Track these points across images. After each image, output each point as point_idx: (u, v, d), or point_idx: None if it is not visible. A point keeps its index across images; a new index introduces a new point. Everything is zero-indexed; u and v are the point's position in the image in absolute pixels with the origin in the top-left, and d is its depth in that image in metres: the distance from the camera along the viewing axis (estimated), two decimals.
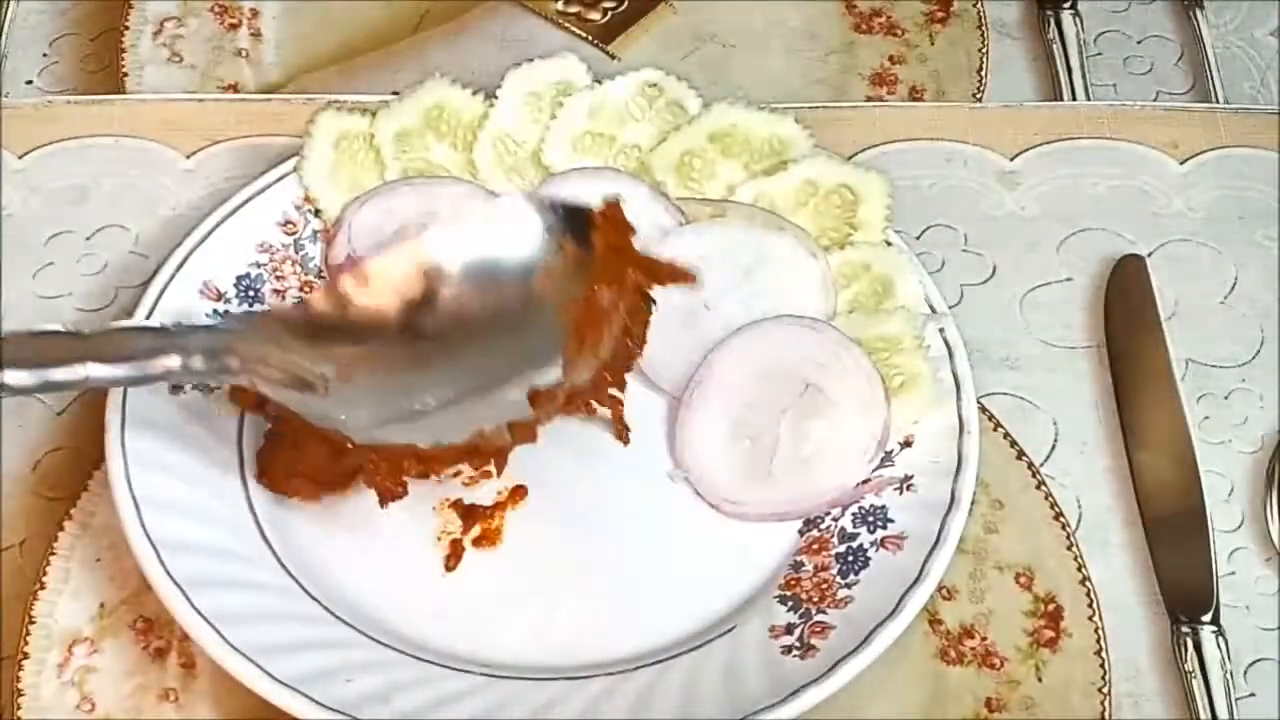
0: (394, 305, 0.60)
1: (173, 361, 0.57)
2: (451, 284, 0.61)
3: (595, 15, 0.83)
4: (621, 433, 0.65)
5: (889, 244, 0.68)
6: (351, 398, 0.59)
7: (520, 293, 0.61)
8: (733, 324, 0.66)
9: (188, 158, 0.75)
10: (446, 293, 0.61)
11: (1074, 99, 0.80)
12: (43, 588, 0.62)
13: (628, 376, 0.64)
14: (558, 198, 0.64)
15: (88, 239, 0.73)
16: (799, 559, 0.63)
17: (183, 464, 0.62)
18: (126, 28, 0.81)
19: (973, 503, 0.62)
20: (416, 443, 0.60)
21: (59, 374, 0.55)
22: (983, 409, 0.67)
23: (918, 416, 0.64)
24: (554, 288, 0.61)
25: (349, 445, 0.59)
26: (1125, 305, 0.72)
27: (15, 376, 0.54)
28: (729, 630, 0.61)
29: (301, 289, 0.68)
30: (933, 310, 0.67)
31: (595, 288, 0.61)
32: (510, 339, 0.61)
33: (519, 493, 0.65)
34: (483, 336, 0.61)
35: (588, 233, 0.61)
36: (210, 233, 0.68)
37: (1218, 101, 0.80)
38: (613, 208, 0.61)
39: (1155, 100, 0.81)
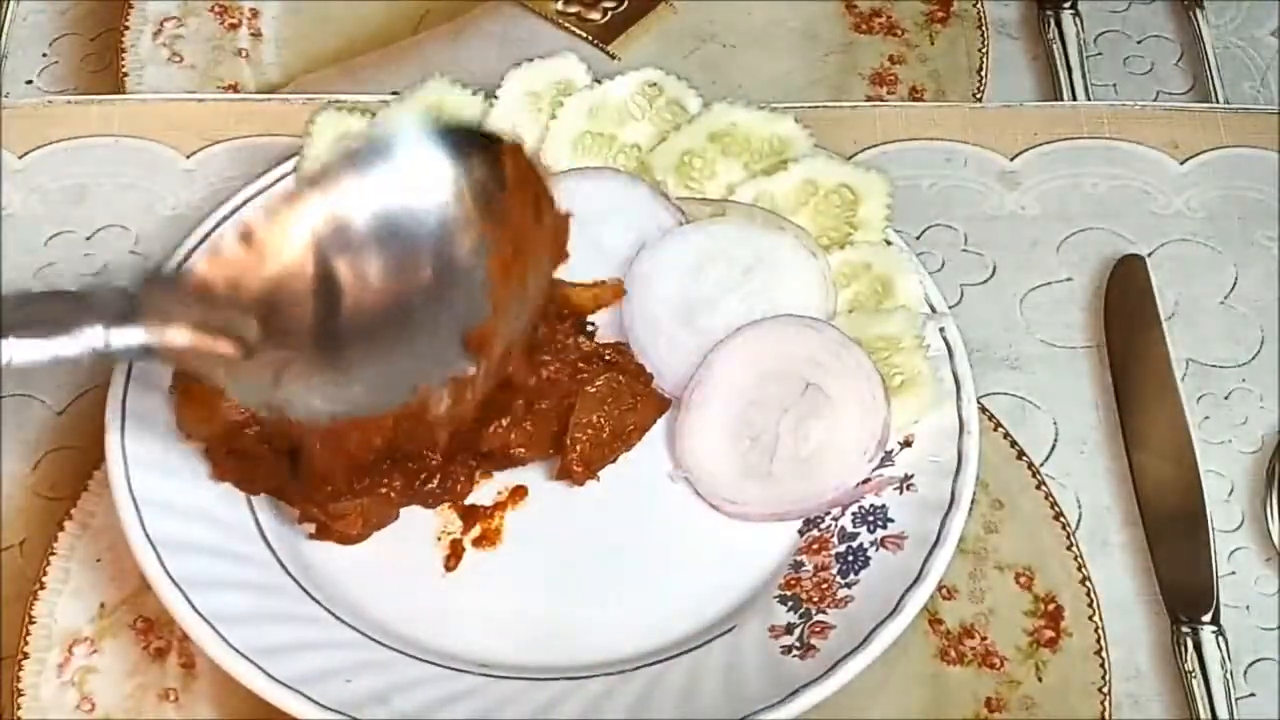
0: (306, 261, 0.57)
1: (88, 333, 0.54)
2: (361, 234, 0.58)
3: (595, 15, 0.83)
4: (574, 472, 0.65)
5: (889, 243, 0.68)
6: (278, 361, 0.57)
7: (434, 233, 0.59)
8: (733, 324, 0.66)
9: (188, 158, 0.75)
10: (357, 243, 0.58)
11: (1074, 99, 0.80)
12: (43, 588, 0.62)
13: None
14: (461, 126, 0.61)
15: (88, 239, 0.73)
16: (799, 559, 0.63)
17: (183, 464, 0.62)
18: (126, 28, 0.81)
19: (973, 502, 0.62)
20: (357, 411, 0.58)
21: None
22: (983, 409, 0.67)
23: (918, 416, 0.64)
24: (468, 223, 0.59)
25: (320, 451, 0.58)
26: (1125, 305, 0.72)
27: None
28: (729, 630, 0.61)
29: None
30: (933, 310, 0.67)
31: (512, 214, 0.59)
32: (429, 283, 0.59)
33: (519, 493, 0.65)
34: (399, 283, 0.59)
35: (498, 163, 0.59)
36: (210, 233, 0.68)
37: (1218, 101, 0.80)
38: (515, 145, 0.60)
39: (1155, 100, 0.81)
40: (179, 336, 0.55)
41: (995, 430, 0.67)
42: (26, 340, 0.53)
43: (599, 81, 0.72)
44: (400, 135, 0.58)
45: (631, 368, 0.65)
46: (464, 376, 0.59)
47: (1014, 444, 0.67)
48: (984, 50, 0.82)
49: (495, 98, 0.71)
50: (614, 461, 0.64)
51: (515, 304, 0.60)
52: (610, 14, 0.83)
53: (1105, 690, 0.62)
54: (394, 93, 0.72)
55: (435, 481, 0.63)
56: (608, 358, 0.65)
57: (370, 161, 0.58)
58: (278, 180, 0.70)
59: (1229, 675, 0.61)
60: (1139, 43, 0.83)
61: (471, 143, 0.59)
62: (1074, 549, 0.65)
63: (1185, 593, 0.64)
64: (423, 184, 0.58)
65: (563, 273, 0.66)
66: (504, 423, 0.63)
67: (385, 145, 0.58)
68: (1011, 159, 0.77)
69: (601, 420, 0.64)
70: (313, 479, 0.61)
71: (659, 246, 0.68)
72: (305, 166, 0.70)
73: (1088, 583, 0.64)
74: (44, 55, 0.81)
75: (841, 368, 0.64)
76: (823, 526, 0.63)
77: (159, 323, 0.55)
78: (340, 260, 0.57)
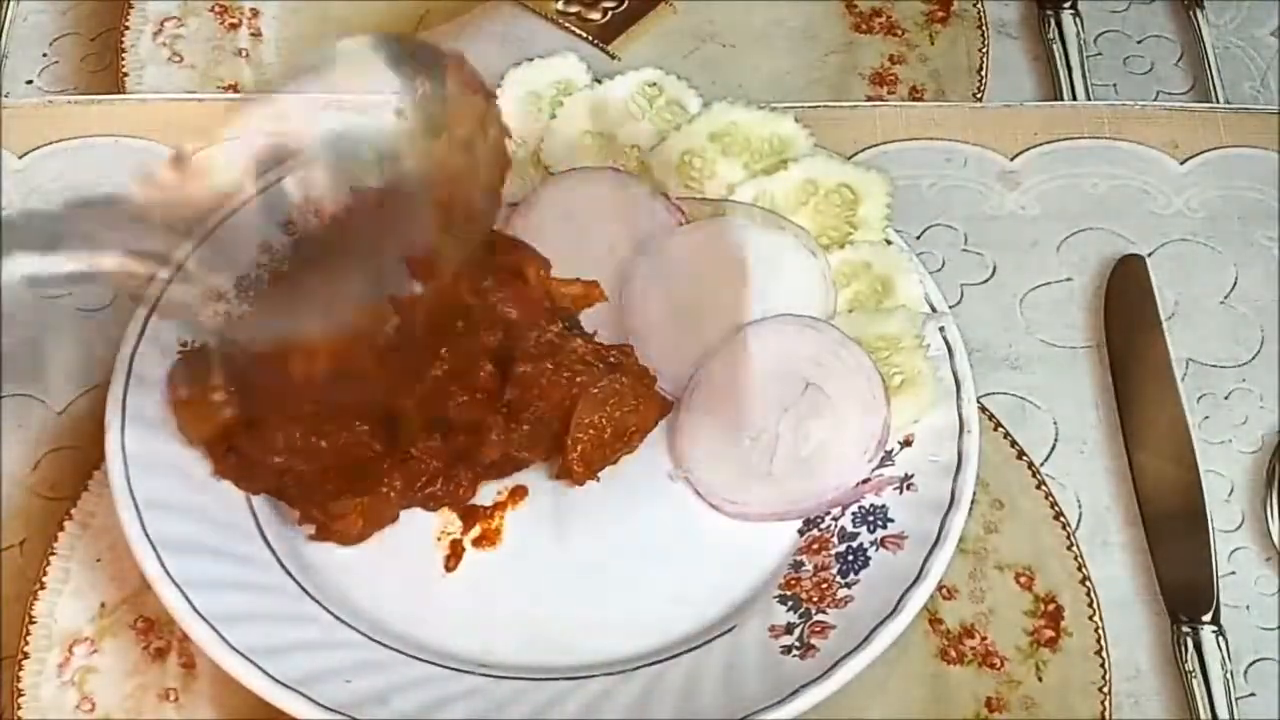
0: (244, 181, 0.58)
1: (16, 261, 0.53)
2: (301, 151, 0.58)
3: (595, 15, 0.83)
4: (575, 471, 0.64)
5: (889, 243, 0.68)
6: (217, 285, 0.57)
7: (376, 149, 0.58)
8: (732, 324, 0.66)
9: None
10: (297, 161, 0.58)
11: (1074, 99, 0.80)
12: (43, 588, 0.62)
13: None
14: (402, 39, 0.60)
15: None
16: (799, 559, 0.63)
17: (183, 464, 0.62)
18: (127, 28, 0.81)
19: (973, 502, 0.62)
20: (300, 333, 0.57)
21: None
22: (983, 408, 0.67)
23: (918, 416, 0.64)
24: (410, 139, 0.58)
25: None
26: (1125, 305, 0.72)
27: None
28: (729, 630, 0.61)
29: None
30: (933, 309, 0.67)
31: (456, 129, 0.58)
32: (371, 202, 0.58)
33: (519, 493, 0.65)
34: (340, 202, 0.59)
35: (440, 78, 0.58)
36: (211, 232, 0.68)
37: (1218, 101, 0.80)
38: (458, 57, 0.59)
39: (1155, 100, 0.81)
40: (109, 261, 0.54)
41: (995, 430, 0.67)
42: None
43: (599, 81, 0.72)
44: (343, 51, 0.58)
45: (635, 369, 0.65)
46: (409, 300, 0.58)
47: (1014, 444, 0.67)
48: (984, 50, 0.82)
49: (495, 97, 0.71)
50: (614, 462, 0.64)
51: (461, 223, 0.59)
52: (610, 14, 0.83)
53: (1105, 690, 0.62)
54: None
55: (438, 484, 0.63)
56: (611, 359, 0.65)
57: (311, 77, 0.57)
58: (279, 180, 0.70)
59: (1229, 675, 0.62)
60: (1139, 43, 0.83)
61: (414, 57, 0.58)
62: (1074, 549, 0.65)
63: (1185, 592, 0.64)
64: (365, 100, 0.58)
65: (557, 271, 0.66)
66: (496, 422, 0.63)
67: (327, 61, 0.57)
68: (1011, 159, 0.77)
69: (603, 421, 0.64)
70: (263, 419, 0.60)
71: (659, 246, 0.68)
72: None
73: (1088, 582, 0.64)
74: (44, 55, 0.81)
75: (842, 367, 0.64)
76: (823, 526, 0.63)
77: (88, 248, 0.54)
78: (280, 179, 0.58)
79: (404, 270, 0.58)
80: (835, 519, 0.63)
